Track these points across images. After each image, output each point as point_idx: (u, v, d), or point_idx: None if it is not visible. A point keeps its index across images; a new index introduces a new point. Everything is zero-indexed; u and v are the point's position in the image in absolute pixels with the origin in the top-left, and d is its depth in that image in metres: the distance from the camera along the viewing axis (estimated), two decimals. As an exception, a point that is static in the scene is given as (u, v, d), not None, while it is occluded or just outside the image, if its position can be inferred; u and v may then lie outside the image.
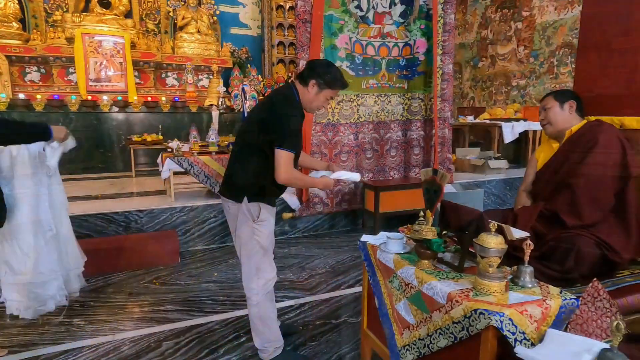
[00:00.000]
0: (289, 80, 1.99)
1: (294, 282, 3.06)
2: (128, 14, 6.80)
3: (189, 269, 3.33)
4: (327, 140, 4.16)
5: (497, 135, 6.04)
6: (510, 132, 5.81)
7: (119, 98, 6.10)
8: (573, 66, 6.35)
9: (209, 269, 3.33)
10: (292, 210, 4.11)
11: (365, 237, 1.96)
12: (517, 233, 1.52)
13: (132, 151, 5.70)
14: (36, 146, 2.05)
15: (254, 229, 1.94)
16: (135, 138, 5.60)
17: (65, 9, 6.38)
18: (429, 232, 1.55)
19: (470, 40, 8.47)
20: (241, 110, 4.39)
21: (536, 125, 5.77)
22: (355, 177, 2.08)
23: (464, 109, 7.84)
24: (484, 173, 5.36)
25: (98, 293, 2.88)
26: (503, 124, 5.86)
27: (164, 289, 2.94)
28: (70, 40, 6.08)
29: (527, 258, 1.40)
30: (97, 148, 5.99)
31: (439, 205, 1.66)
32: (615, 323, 1.04)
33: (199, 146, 4.04)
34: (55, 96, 5.85)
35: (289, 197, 4.08)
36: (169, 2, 7.10)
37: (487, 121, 6.24)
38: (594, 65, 2.08)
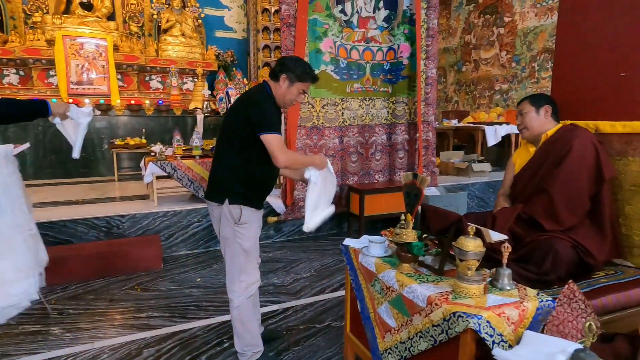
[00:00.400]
0: (264, 81, 2.01)
1: (279, 287, 3.04)
2: (111, 17, 6.71)
3: (172, 275, 3.28)
4: (312, 144, 4.16)
5: (480, 138, 6.13)
6: (493, 136, 5.90)
7: (102, 101, 6.00)
8: (553, 71, 6.47)
9: (192, 274, 3.29)
10: (277, 214, 4.10)
11: (347, 241, 1.96)
12: (495, 236, 1.54)
13: (114, 155, 5.61)
14: (4, 148, 2.03)
15: (236, 231, 1.94)
16: (117, 142, 5.52)
17: (45, 11, 6.26)
18: (410, 235, 1.56)
19: (454, 45, 8.58)
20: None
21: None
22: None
23: (449, 113, 7.94)
24: (467, 176, 5.42)
25: (77, 300, 2.82)
26: (486, 127, 5.95)
27: (146, 295, 2.90)
28: (50, 42, 5.97)
29: (505, 261, 1.41)
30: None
31: (419, 208, 1.68)
32: (587, 324, 1.06)
33: (183, 150, 4.00)
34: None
35: (274, 201, 4.07)
36: (152, 5, 7.03)
37: (471, 125, 6.33)
38: (570, 71, 2.12)
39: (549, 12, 6.47)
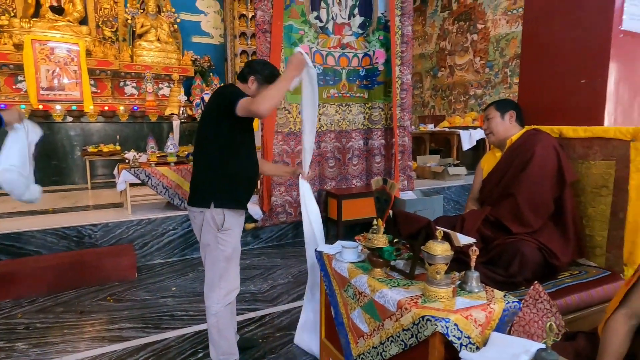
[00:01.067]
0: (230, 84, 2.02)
1: (255, 294, 3.02)
2: (83, 21, 6.57)
3: (147, 284, 3.21)
4: (290, 150, 4.16)
5: (456, 142, 6.25)
6: (468, 140, 6.03)
7: (74, 107, 5.85)
8: (524, 76, 6.66)
9: (167, 283, 3.23)
10: (255, 221, 4.07)
11: (321, 247, 1.97)
12: (463, 239, 1.57)
13: (87, 162, 5.47)
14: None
15: (219, 237, 1.92)
16: (90, 149, 5.39)
17: (12, 14, 6.08)
18: (381, 240, 1.58)
19: (429, 51, 8.74)
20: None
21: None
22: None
23: (425, 118, 8.07)
24: (444, 179, 5.52)
25: (46, 313, 2.72)
26: (461, 132, 6.07)
27: (119, 306, 2.83)
28: (18, 46, 5.79)
29: (473, 264, 1.44)
30: (49, 159, 5.71)
31: (390, 213, 1.70)
32: (548, 324, 1.09)
33: (157, 157, 3.93)
34: (2, 105, 5.54)
35: (251, 207, 4.04)
36: (127, 10, 6.92)
37: (447, 129, 6.45)
38: (535, 78, 2.19)
39: (519, 19, 6.66)
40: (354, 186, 4.59)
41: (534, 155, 1.82)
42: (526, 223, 1.78)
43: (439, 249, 1.36)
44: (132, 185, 4.01)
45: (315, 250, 1.97)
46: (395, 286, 1.49)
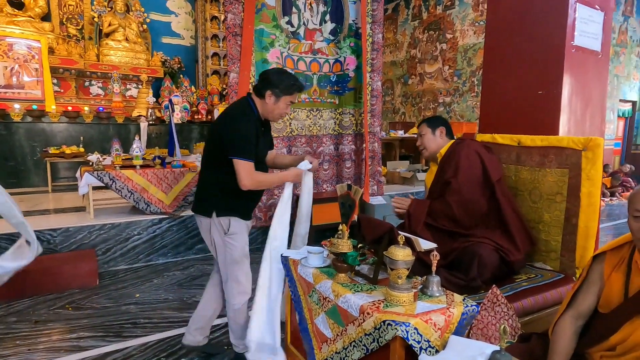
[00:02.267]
0: (248, 94, 2.03)
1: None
2: (46, 17, 6.33)
3: (108, 291, 3.10)
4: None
5: (425, 148, 6.37)
6: (436, 146, 6.16)
7: (34, 107, 5.60)
8: (490, 86, 6.90)
9: (130, 290, 3.13)
10: (224, 225, 4.01)
11: (287, 252, 1.96)
12: (425, 244, 1.60)
13: (48, 164, 5.24)
14: None
15: (226, 241, 1.99)
16: (52, 150, 5.17)
17: (-32, 8, 5.80)
18: (345, 245, 1.59)
19: (400, 59, 8.92)
20: (169, 122, 4.23)
21: (459, 140, 6.19)
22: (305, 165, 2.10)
23: (396, 124, 8.21)
24: (413, 185, 5.62)
25: (-2, 323, 2.59)
26: (430, 138, 6.19)
27: (78, 314, 2.72)
28: (-26, 41, 5.52)
29: (434, 268, 1.47)
30: (6, 161, 5.43)
31: (355, 218, 1.71)
32: (502, 327, 1.13)
33: (122, 159, 3.82)
34: None
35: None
36: (93, 8, 6.72)
37: (416, 136, 6.56)
38: (496, 88, 2.27)
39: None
40: (324, 191, 4.61)
41: (459, 161, 1.93)
42: (460, 222, 1.87)
43: (401, 254, 1.38)
44: (96, 188, 3.88)
45: (281, 255, 1.96)
46: (358, 291, 1.50)
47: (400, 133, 6.95)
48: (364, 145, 4.59)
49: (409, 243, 1.54)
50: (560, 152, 1.90)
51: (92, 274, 3.22)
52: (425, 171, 5.84)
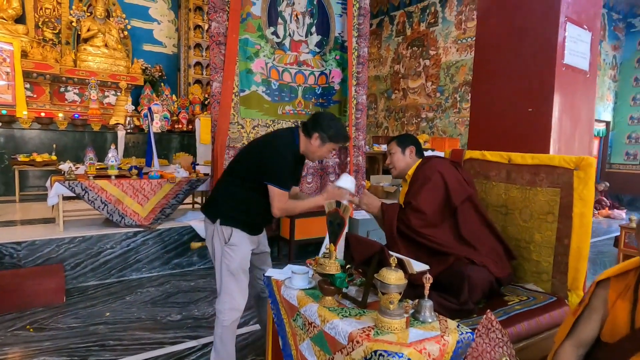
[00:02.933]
0: (294, 125, 2.15)
1: (199, 320, 2.81)
2: (20, 19, 6.10)
3: (76, 309, 2.90)
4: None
5: (408, 163, 6.37)
6: (419, 161, 6.16)
7: (4, 112, 5.34)
8: (472, 102, 6.99)
9: (100, 308, 2.94)
10: (202, 239, 3.86)
11: (270, 272, 1.85)
12: (417, 266, 1.52)
13: (16, 173, 4.98)
14: None
15: (224, 251, 1.97)
16: (21, 158, 4.91)
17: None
18: (332, 266, 1.49)
19: (384, 73, 8.98)
20: (147, 131, 4.07)
21: (442, 155, 6.21)
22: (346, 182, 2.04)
23: (379, 138, 8.21)
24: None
25: (-51, 346, 2.36)
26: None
27: (40, 336, 2.51)
28: (-58, 42, 5.26)
29: (427, 292, 1.39)
30: (-30, 168, 5.15)
31: (344, 236, 1.62)
32: (503, 359, 1.05)
33: (96, 169, 3.64)
34: None
35: (198, 225, 3.83)
36: (72, 12, 6.52)
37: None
38: (485, 104, 2.24)
39: (468, 48, 7.01)
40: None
41: (422, 182, 1.92)
42: (430, 239, 1.83)
43: (393, 278, 1.29)
44: (67, 199, 3.68)
45: (264, 275, 1.84)
46: (346, 316, 1.40)
47: (383, 147, 6.94)
48: (349, 158, 4.52)
49: (400, 265, 1.45)
50: (552, 170, 1.86)
51: (58, 290, 3.01)
52: (408, 186, 5.82)
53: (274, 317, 1.76)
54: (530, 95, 2.00)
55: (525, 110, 2.02)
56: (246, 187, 1.96)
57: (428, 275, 1.38)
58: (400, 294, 1.33)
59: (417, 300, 1.44)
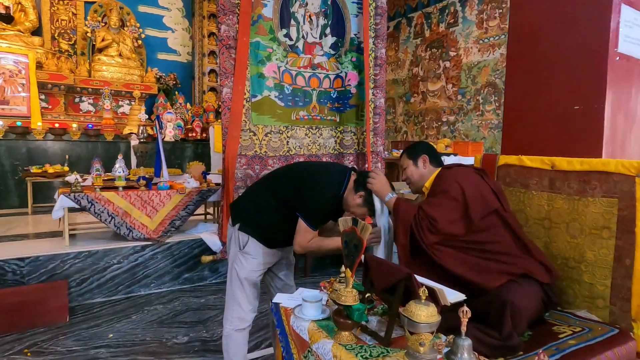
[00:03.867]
0: (350, 170, 1.95)
1: (207, 343, 2.61)
2: (37, 32, 6.12)
3: (79, 330, 2.74)
4: (254, 174, 3.82)
5: (429, 169, 6.08)
6: (441, 167, 5.87)
7: (18, 123, 5.32)
8: (497, 104, 6.67)
9: (104, 329, 2.77)
10: (213, 253, 3.67)
11: (278, 298, 1.62)
12: (451, 296, 1.27)
13: (29, 184, 4.92)
14: None
15: (237, 257, 1.94)
16: (34, 169, 4.86)
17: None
18: (349, 296, 1.26)
19: (402, 77, 8.72)
20: (156, 139, 3.93)
21: (466, 160, 5.88)
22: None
23: (398, 143, 7.93)
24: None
25: (-58, 372, 2.22)
26: (435, 158, 5.91)
27: (38, 361, 2.35)
28: (-42, 55, 5.28)
29: (464, 329, 1.14)
30: (-16, 180, 5.12)
31: (362, 259, 1.38)
32: None
33: (103, 180, 3.50)
34: None
35: (209, 238, 3.65)
36: (87, 23, 6.52)
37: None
38: (522, 104, 1.97)
39: (491, 48, 6.70)
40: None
41: (439, 193, 1.66)
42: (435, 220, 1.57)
43: (424, 314, 1.05)
44: (75, 210, 3.56)
45: (272, 302, 1.62)
46: (367, 357, 1.16)
47: (403, 153, 6.67)
48: (367, 165, 4.28)
49: (431, 295, 1.21)
50: (607, 178, 1.59)
51: (61, 309, 2.86)
52: (430, 193, 5.53)
53: (282, 351, 1.53)
54: (577, 90, 1.73)
55: (571, 108, 1.75)
56: (276, 206, 1.88)
57: (465, 309, 1.13)
58: (432, 333, 1.09)
59: (451, 337, 1.19)
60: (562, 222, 1.74)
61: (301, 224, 1.79)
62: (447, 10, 7.57)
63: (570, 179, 1.71)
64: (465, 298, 1.27)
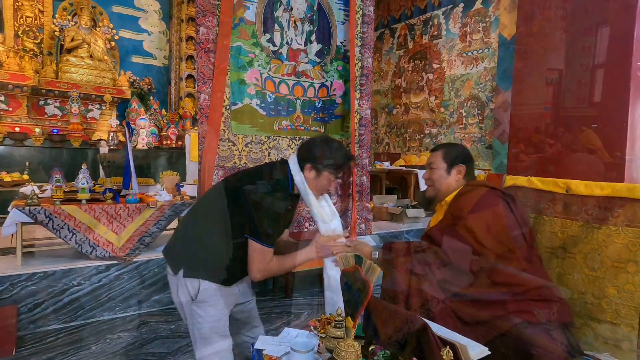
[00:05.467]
0: (285, 161, 1.75)
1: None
2: (-2, 29, 5.69)
3: (27, 365, 2.40)
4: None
5: (413, 182, 5.96)
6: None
7: (-28, 126, 4.89)
8: (480, 118, 6.62)
9: (57, 363, 2.44)
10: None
11: (261, 342, 1.38)
12: (475, 350, 1.06)
13: (-19, 194, 4.48)
14: None
15: (193, 310, 1.59)
16: (-12, 177, 4.43)
17: None
18: (351, 352, 1.03)
19: (385, 88, 8.65)
20: (126, 148, 3.61)
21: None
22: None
23: (380, 155, 7.81)
24: (402, 222, 5.13)
25: None
26: (419, 171, 5.80)
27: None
28: None
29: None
30: None
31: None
32: None
33: (64, 192, 3.16)
34: None
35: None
36: (55, 21, 6.13)
37: (404, 168, 6.17)
38: (531, 121, 1.81)
39: (474, 61, 6.68)
40: (306, 229, 4.03)
41: (454, 215, 1.50)
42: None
43: (450, 385, 0.84)
44: (30, 224, 3.19)
45: (253, 347, 1.37)
46: None
47: (386, 165, 6.53)
48: (352, 178, 4.08)
49: (452, 350, 1.00)
50: (632, 205, 1.43)
51: (7, 340, 2.51)
52: (414, 207, 5.38)
53: (266, 410, 1.28)
54: (595, 107, 1.57)
55: (589, 127, 1.59)
56: (220, 234, 1.58)
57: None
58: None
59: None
60: (579, 252, 1.57)
61: (253, 246, 1.53)
62: (430, 23, 7.55)
63: (589, 205, 1.55)
64: (489, 352, 1.06)
